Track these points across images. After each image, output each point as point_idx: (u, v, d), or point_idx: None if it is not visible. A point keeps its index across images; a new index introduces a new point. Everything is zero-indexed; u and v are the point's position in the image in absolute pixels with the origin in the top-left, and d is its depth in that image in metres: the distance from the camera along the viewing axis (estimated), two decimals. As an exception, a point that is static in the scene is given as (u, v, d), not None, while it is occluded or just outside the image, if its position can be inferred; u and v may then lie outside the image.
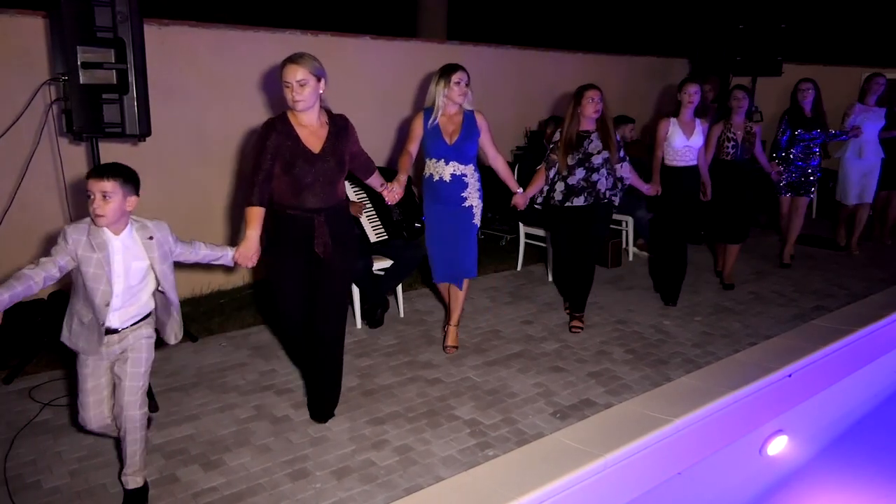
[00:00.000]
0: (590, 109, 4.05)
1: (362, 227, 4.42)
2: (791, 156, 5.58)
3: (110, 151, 3.91)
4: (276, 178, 2.90)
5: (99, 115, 3.23)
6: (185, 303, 4.63)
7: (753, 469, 3.02)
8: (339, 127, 3.04)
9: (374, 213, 4.49)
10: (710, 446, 2.85)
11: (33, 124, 3.77)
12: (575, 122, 4.12)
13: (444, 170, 3.69)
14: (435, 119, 3.66)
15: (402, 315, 4.55)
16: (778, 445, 3.03)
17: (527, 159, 5.79)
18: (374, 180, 3.39)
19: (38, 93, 3.73)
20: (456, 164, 3.69)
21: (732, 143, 5.01)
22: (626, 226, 6.00)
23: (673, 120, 4.68)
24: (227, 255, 2.75)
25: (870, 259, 6.10)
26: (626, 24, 11.57)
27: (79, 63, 3.12)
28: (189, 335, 4.06)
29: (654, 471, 2.68)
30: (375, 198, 4.47)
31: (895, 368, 3.88)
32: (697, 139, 4.68)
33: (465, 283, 3.94)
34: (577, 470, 2.46)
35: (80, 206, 4.05)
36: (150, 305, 2.59)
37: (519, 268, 5.62)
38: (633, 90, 7.52)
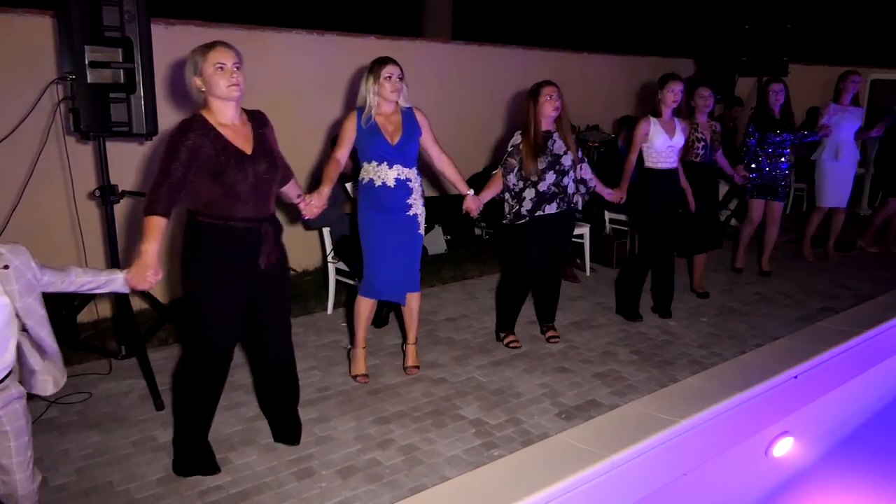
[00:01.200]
0: (549, 108, 3.77)
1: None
2: (760, 159, 5.37)
3: (117, 150, 3.92)
4: (200, 186, 2.56)
5: (106, 114, 3.24)
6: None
7: (759, 471, 3.01)
8: (260, 123, 2.75)
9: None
10: (716, 448, 2.84)
11: (41, 123, 3.78)
12: (538, 123, 3.82)
13: (387, 174, 3.35)
14: (369, 119, 3.33)
15: (407, 315, 4.55)
16: (784, 447, 3.02)
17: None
18: (291, 189, 3.02)
19: (45, 92, 3.74)
20: (400, 167, 3.37)
21: (702, 143, 4.76)
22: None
23: (653, 120, 4.37)
24: (115, 279, 2.29)
25: (875, 261, 6.08)
26: (632, 24, 11.56)
27: (86, 62, 3.12)
28: (195, 334, 4.06)
29: (660, 472, 2.67)
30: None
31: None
32: (679, 139, 4.40)
33: (418, 296, 3.68)
34: (582, 471, 2.46)
35: (86, 205, 4.06)
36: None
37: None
38: (638, 90, 7.51)
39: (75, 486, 2.67)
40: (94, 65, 3.15)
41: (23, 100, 3.78)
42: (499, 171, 3.92)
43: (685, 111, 4.59)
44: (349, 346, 3.81)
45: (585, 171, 4.05)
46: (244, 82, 2.60)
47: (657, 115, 4.38)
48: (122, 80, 3.23)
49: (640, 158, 4.45)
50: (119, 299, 3.51)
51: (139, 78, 3.29)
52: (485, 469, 2.57)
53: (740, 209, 6.53)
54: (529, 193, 3.85)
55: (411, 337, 3.74)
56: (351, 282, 4.37)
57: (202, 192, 2.58)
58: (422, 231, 3.55)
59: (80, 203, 3.93)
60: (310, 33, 5.16)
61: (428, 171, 5.58)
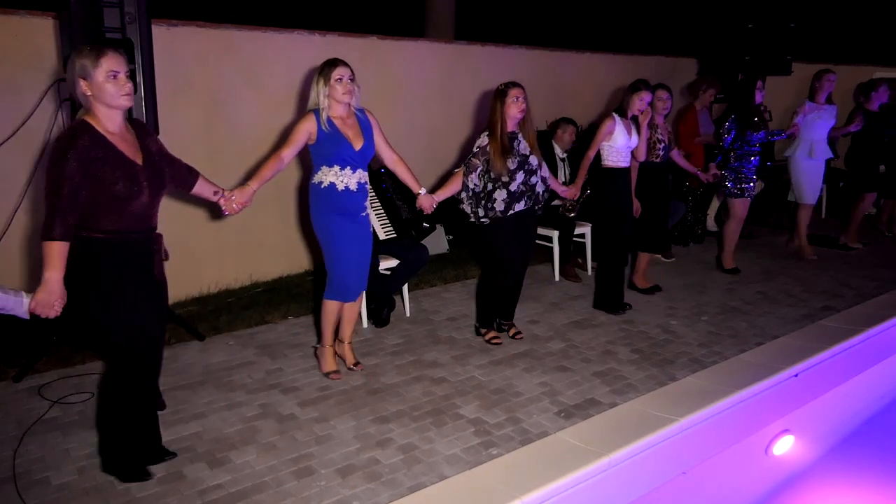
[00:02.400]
0: (515, 109, 3.77)
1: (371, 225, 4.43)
2: (739, 157, 5.37)
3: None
4: (87, 200, 2.40)
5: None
6: (192, 301, 4.68)
7: (759, 469, 3.00)
8: (143, 131, 2.67)
9: (382, 210, 4.50)
10: (716, 446, 2.84)
11: (43, 124, 3.80)
12: (504, 124, 3.81)
13: (350, 178, 3.34)
14: (329, 122, 3.27)
15: (408, 314, 4.56)
16: (784, 445, 3.01)
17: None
18: (204, 187, 2.93)
19: (48, 93, 3.77)
20: (360, 171, 3.38)
21: (663, 144, 4.81)
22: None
23: (618, 119, 4.45)
24: (20, 302, 2.21)
25: (879, 259, 6.06)
26: (635, 23, 11.54)
27: (87, 64, 3.14)
28: (196, 334, 4.09)
29: (659, 470, 2.67)
30: (383, 195, 4.49)
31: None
32: (635, 139, 4.52)
33: (362, 296, 3.71)
34: (581, 469, 2.46)
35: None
36: None
37: (525, 267, 5.61)
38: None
39: (77, 486, 2.68)
40: (95, 66, 3.16)
41: (25, 101, 3.81)
42: (460, 171, 3.89)
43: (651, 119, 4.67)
44: (316, 346, 3.83)
45: (545, 171, 4.09)
46: (133, 90, 2.53)
47: (622, 114, 4.47)
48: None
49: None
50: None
51: (140, 79, 3.32)
52: (483, 468, 2.57)
53: (722, 211, 6.54)
54: (501, 194, 3.85)
55: (348, 336, 3.72)
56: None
57: (89, 205, 2.42)
58: (371, 230, 3.61)
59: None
60: (311, 34, 5.18)
61: (433, 172, 5.60)
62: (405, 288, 4.53)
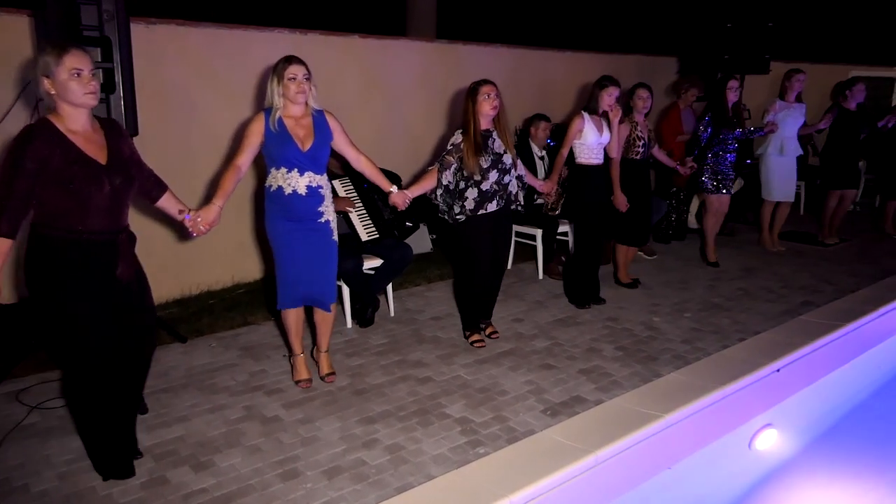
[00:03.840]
0: (487, 107, 3.72)
1: (353, 226, 4.41)
2: (714, 154, 5.49)
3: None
4: (47, 197, 2.40)
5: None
6: (173, 303, 4.63)
7: (743, 463, 3.03)
8: (114, 132, 2.59)
9: (364, 211, 4.48)
10: (700, 441, 2.86)
11: (20, 123, 3.71)
12: (477, 122, 3.76)
13: (298, 182, 3.20)
14: (279, 122, 3.15)
15: (392, 314, 4.55)
16: (767, 439, 3.04)
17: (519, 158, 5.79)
18: (169, 203, 2.85)
19: (23, 91, 3.70)
20: (311, 174, 3.22)
21: (642, 141, 4.87)
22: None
23: (587, 117, 4.48)
24: None
25: (857, 255, 6.15)
26: (615, 22, 11.61)
27: (64, 62, 3.09)
28: (178, 336, 4.04)
29: (645, 466, 2.69)
30: (365, 195, 4.47)
31: (882, 362, 3.92)
32: (607, 135, 4.54)
33: (333, 306, 3.56)
34: (568, 467, 2.47)
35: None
36: None
37: (509, 266, 5.62)
38: (622, 89, 7.53)
39: (57, 492, 2.63)
40: (72, 65, 3.11)
41: (1, 100, 3.74)
42: (434, 168, 3.85)
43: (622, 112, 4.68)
44: (286, 355, 3.75)
45: (520, 168, 4.06)
46: (99, 89, 2.47)
47: (591, 111, 4.49)
48: (101, 80, 3.19)
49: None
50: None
51: (118, 78, 3.27)
52: (471, 467, 2.57)
53: (703, 209, 6.61)
54: (472, 193, 3.81)
55: (324, 345, 3.61)
56: (336, 281, 4.34)
57: (49, 203, 2.41)
58: (335, 238, 3.41)
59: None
60: (292, 32, 5.14)
61: (413, 170, 5.58)
62: (389, 288, 4.52)
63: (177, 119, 4.59)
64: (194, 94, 4.64)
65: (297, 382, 3.53)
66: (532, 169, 4.98)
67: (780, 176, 6.05)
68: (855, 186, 6.53)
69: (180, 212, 2.88)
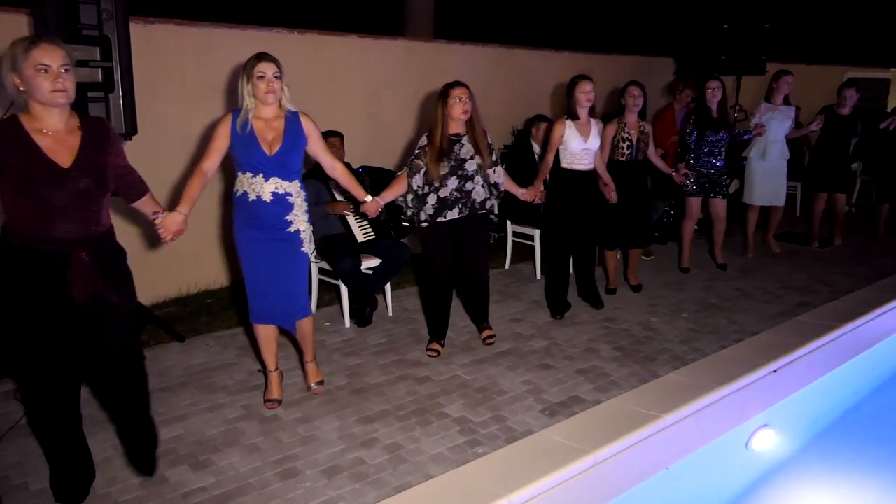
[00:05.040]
0: (458, 110, 3.58)
1: (349, 227, 4.42)
2: (699, 157, 5.37)
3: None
4: (8, 198, 2.28)
5: (84, 113, 3.20)
6: (171, 302, 4.63)
7: (740, 463, 3.04)
8: (97, 134, 2.40)
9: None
10: (698, 441, 2.87)
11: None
12: (444, 125, 3.63)
13: (262, 187, 2.99)
14: (246, 123, 2.97)
15: (390, 314, 4.55)
16: (763, 440, 3.05)
17: (513, 158, 5.81)
18: (146, 206, 2.68)
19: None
20: (278, 180, 3.01)
21: (628, 143, 4.72)
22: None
23: (569, 122, 4.33)
24: None
25: (853, 256, 6.18)
26: (612, 23, 11.63)
27: (64, 61, 3.09)
28: (176, 335, 4.04)
29: (643, 466, 2.69)
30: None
31: (879, 363, 3.93)
32: (594, 141, 4.36)
33: (309, 320, 3.35)
34: (566, 466, 2.47)
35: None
36: None
37: (507, 266, 5.64)
38: (618, 89, 7.55)
39: (56, 490, 2.63)
40: (71, 63, 3.11)
41: (-2, 99, 3.72)
42: (404, 172, 3.76)
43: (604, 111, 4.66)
44: (261, 370, 3.55)
45: (499, 175, 3.87)
46: (73, 87, 2.30)
47: (573, 117, 4.33)
48: (100, 79, 3.20)
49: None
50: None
51: (117, 77, 3.27)
52: (469, 467, 2.57)
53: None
54: (432, 199, 3.70)
55: (308, 355, 3.47)
56: (334, 281, 4.36)
57: (11, 208, 2.29)
58: (306, 249, 3.19)
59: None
60: (290, 32, 5.14)
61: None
62: (387, 287, 4.52)
63: (175, 118, 4.58)
64: (193, 94, 4.64)
65: (265, 401, 3.33)
66: (533, 169, 4.97)
67: (761, 180, 5.88)
68: (844, 190, 6.36)
69: (154, 213, 2.72)
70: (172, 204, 2.98)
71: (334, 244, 4.23)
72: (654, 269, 5.70)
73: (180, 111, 4.61)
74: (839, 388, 3.60)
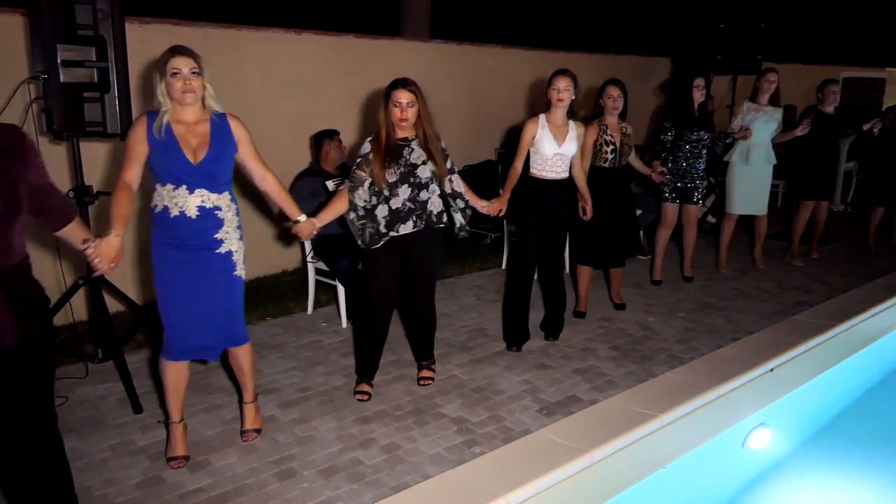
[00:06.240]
0: (395, 117, 3.18)
1: (347, 227, 4.41)
2: (678, 159, 4.96)
3: (91, 151, 3.87)
4: None
5: (80, 113, 3.20)
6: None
7: (737, 462, 3.05)
8: (5, 145, 1.99)
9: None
10: (695, 440, 2.87)
11: (13, 123, 3.71)
12: (390, 129, 3.20)
13: (187, 201, 2.60)
14: (163, 127, 2.57)
15: (387, 314, 4.54)
16: (760, 439, 3.06)
17: (510, 160, 5.80)
18: (74, 233, 2.27)
19: (17, 91, 3.67)
20: (205, 192, 2.62)
21: (612, 147, 4.24)
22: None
23: (542, 120, 3.80)
24: None
25: (849, 255, 6.19)
26: (609, 23, 11.65)
27: (59, 61, 3.09)
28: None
29: (640, 465, 2.70)
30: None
31: (875, 362, 3.95)
32: (569, 147, 3.82)
33: (247, 349, 2.93)
34: (563, 466, 2.47)
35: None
36: None
37: (503, 266, 5.64)
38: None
39: (52, 492, 2.62)
40: (66, 64, 3.11)
41: (-7, 100, 3.71)
42: (344, 188, 3.27)
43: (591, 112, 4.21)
44: (163, 420, 3.03)
45: (458, 184, 3.40)
46: None
47: (548, 116, 3.82)
48: (95, 80, 3.20)
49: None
50: (95, 302, 3.46)
51: (113, 77, 3.26)
52: (467, 466, 2.57)
53: (717, 206, 6.56)
54: (382, 211, 3.22)
55: (246, 395, 3.03)
56: (331, 282, 4.35)
57: None
58: (239, 272, 2.78)
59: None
60: (287, 32, 5.14)
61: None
62: (385, 287, 4.51)
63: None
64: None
65: (169, 459, 2.81)
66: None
67: (743, 186, 5.37)
68: (829, 197, 5.90)
69: (84, 241, 2.32)
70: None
71: (331, 244, 4.23)
72: (650, 268, 5.70)
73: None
74: (836, 387, 3.61)
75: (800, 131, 5.35)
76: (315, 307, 4.59)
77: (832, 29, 10.76)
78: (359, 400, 3.37)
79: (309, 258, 4.47)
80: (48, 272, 4.01)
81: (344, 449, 2.96)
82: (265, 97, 5.02)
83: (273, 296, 4.81)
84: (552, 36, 9.87)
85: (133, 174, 2.60)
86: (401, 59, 5.92)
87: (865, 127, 5.94)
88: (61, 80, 3.10)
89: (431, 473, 2.74)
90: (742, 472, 3.07)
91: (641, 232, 6.08)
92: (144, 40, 4.30)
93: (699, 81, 4.93)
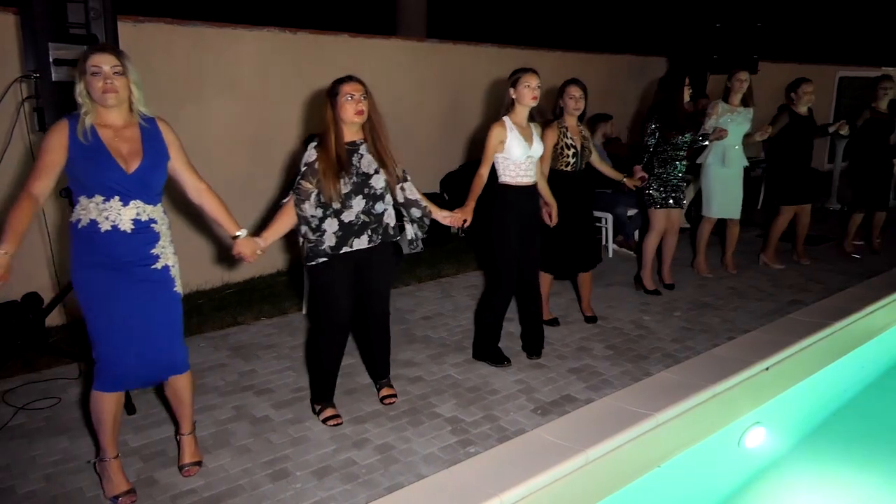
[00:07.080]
0: (350, 111, 2.87)
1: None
2: (664, 163, 4.78)
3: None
4: None
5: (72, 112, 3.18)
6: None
7: (732, 461, 3.05)
8: None
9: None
10: (690, 439, 2.87)
11: (4, 122, 3.71)
12: (339, 132, 2.91)
13: (120, 214, 2.36)
14: (88, 131, 2.33)
15: (383, 314, 4.53)
16: (756, 437, 3.06)
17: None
18: None
19: (8, 90, 3.66)
20: (140, 203, 2.40)
21: (573, 150, 4.02)
22: (606, 223, 6.04)
23: (509, 124, 3.59)
24: None
25: (844, 254, 6.19)
26: (605, 22, 11.65)
27: (51, 60, 3.07)
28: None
29: (635, 465, 2.69)
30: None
31: (870, 360, 3.95)
32: (538, 148, 3.65)
33: (186, 377, 2.67)
34: (558, 465, 2.47)
35: (52, 206, 3.99)
36: None
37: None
38: (611, 89, 7.57)
39: (44, 494, 2.61)
40: (58, 63, 3.09)
41: (-15, 99, 3.69)
42: (290, 200, 2.97)
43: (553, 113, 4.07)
44: (93, 461, 2.73)
45: (411, 192, 3.14)
46: None
47: (513, 118, 3.63)
48: None
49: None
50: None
51: (106, 76, 3.23)
52: (461, 466, 2.56)
53: (692, 208, 6.46)
54: (332, 225, 2.94)
55: (185, 426, 2.76)
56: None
57: None
58: (178, 288, 2.59)
59: (46, 204, 3.85)
60: (282, 31, 5.12)
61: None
62: (380, 287, 4.50)
63: (164, 117, 4.55)
64: (181, 94, 4.61)
65: (114, 498, 2.55)
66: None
67: (721, 189, 5.22)
68: (810, 200, 5.69)
69: None
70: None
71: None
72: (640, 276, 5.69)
73: (169, 111, 4.56)
74: (832, 386, 3.61)
75: (763, 136, 5.22)
76: (310, 307, 4.58)
77: (828, 28, 10.79)
78: (334, 425, 3.12)
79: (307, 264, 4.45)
80: (42, 272, 4.00)
81: (338, 449, 2.94)
82: (260, 97, 5.01)
83: (267, 296, 4.80)
84: (549, 35, 9.87)
85: (43, 186, 2.31)
86: (396, 59, 5.92)
87: (831, 129, 5.76)
88: (53, 78, 3.08)
89: (426, 473, 2.73)
90: (737, 471, 3.07)
91: (636, 232, 6.12)
92: (138, 39, 4.29)
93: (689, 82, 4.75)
